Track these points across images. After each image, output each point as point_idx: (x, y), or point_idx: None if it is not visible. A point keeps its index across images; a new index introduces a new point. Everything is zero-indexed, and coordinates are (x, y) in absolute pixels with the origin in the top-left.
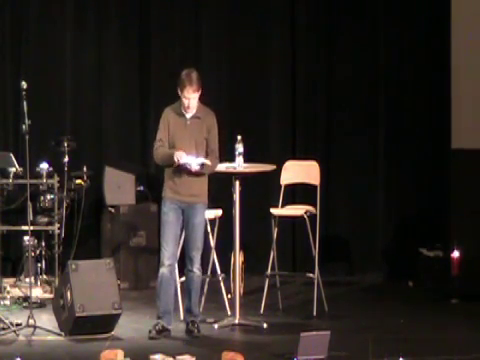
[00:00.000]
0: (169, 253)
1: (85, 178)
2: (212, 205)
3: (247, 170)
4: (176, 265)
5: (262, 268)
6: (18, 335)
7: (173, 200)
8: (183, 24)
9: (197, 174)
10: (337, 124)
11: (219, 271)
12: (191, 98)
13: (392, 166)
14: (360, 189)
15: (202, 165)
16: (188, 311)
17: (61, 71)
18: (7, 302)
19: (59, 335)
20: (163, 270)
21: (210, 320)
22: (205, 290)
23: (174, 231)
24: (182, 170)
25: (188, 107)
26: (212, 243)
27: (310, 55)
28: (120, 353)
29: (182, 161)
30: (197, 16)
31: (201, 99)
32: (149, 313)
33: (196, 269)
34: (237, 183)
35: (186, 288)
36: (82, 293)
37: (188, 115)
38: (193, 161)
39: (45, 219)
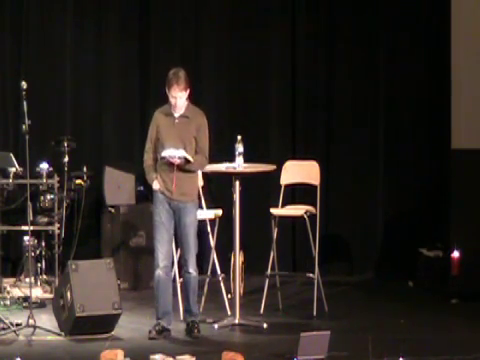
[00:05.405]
0: (163, 255)
1: (85, 178)
2: (212, 205)
3: (247, 170)
4: (171, 265)
5: (262, 268)
6: (18, 335)
7: (164, 199)
8: (183, 24)
9: (185, 171)
10: (337, 124)
11: (219, 271)
12: (178, 97)
13: (392, 166)
14: (360, 189)
15: (185, 159)
16: (187, 311)
17: (61, 71)
18: (7, 302)
19: (59, 335)
20: (158, 272)
21: (210, 320)
22: (205, 290)
23: (167, 232)
24: (168, 166)
25: (175, 106)
26: (212, 243)
27: (310, 55)
28: (120, 353)
29: (163, 154)
30: (197, 16)
31: (202, 99)
32: (149, 313)
33: (192, 270)
34: (237, 183)
35: (184, 289)
36: (82, 293)
37: (176, 114)
38: (175, 154)
39: (45, 219)
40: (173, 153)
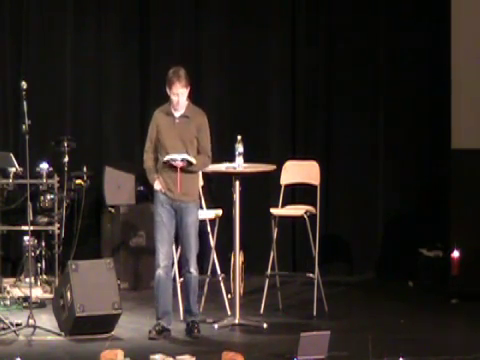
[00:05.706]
0: (164, 255)
1: (85, 178)
2: (212, 205)
3: (247, 170)
4: (171, 265)
5: (262, 268)
6: (18, 335)
7: (165, 199)
8: (183, 24)
9: (186, 171)
10: (337, 124)
11: (219, 271)
12: (180, 94)
13: (392, 166)
14: (360, 189)
15: (187, 161)
16: (187, 311)
17: (61, 71)
18: (7, 302)
19: (59, 335)
20: (159, 271)
21: (210, 320)
22: (205, 290)
23: (168, 232)
24: (170, 168)
25: (177, 104)
26: (212, 243)
27: (310, 55)
28: (120, 353)
29: (166, 159)
30: (197, 16)
31: (202, 99)
32: (149, 313)
33: (193, 269)
34: (237, 183)
35: (184, 289)
36: (82, 293)
37: (177, 114)
38: (177, 157)
39: (45, 219)
40: (175, 156)
